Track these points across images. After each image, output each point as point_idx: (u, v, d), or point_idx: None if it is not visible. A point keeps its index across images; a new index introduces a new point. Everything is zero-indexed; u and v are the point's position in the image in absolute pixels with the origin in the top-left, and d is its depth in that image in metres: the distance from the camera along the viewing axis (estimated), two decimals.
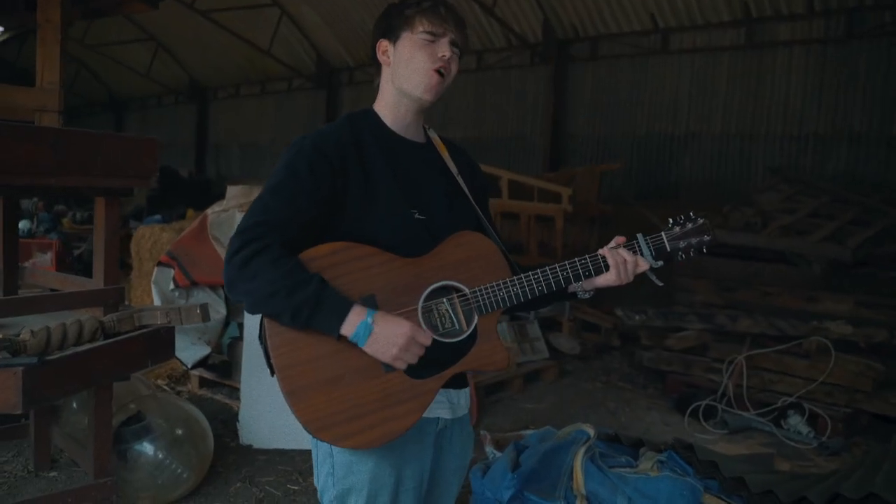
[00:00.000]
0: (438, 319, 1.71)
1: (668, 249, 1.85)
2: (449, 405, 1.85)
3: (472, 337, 1.72)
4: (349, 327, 1.56)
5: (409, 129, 1.89)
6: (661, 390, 6.17)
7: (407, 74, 1.80)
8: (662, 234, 1.87)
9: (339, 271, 1.64)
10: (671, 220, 1.89)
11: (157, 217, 11.66)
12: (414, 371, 1.64)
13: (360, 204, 1.72)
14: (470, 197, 1.92)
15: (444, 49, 1.78)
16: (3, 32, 21.37)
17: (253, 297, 1.57)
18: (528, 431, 4.50)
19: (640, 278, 1.91)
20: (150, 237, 7.07)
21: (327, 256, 1.64)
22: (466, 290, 1.73)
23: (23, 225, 9.80)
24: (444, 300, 1.72)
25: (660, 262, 1.85)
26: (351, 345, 1.58)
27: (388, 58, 1.84)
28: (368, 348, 1.57)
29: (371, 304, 1.64)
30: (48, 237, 10.14)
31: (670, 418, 5.48)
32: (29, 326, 2.88)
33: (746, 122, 10.02)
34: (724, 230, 6.45)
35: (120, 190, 3.26)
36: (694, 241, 1.87)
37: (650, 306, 6.40)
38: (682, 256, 1.87)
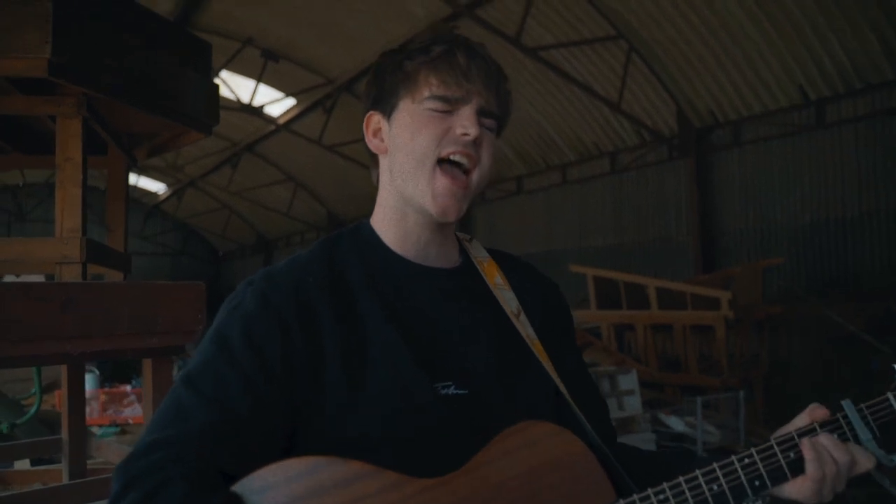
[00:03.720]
0: None
1: None
2: None
3: None
4: None
5: (428, 249, 1.16)
6: None
7: (407, 170, 1.09)
8: (889, 396, 1.07)
9: None
10: None
11: None
12: None
13: (341, 386, 1.01)
14: (534, 349, 1.15)
15: (465, 122, 1.07)
16: (166, 191, 23.25)
17: None
18: None
19: None
20: None
21: (281, 487, 0.90)
22: None
23: None
24: None
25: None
26: None
27: (383, 141, 1.14)
28: None
29: None
30: None
31: None
32: None
33: None
34: None
35: (166, 350, 2.71)
36: None
37: None
38: None
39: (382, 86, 1.13)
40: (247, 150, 18.19)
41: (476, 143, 1.08)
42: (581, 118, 11.96)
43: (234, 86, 14.30)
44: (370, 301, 1.07)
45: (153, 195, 24.10)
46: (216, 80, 13.34)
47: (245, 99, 14.40)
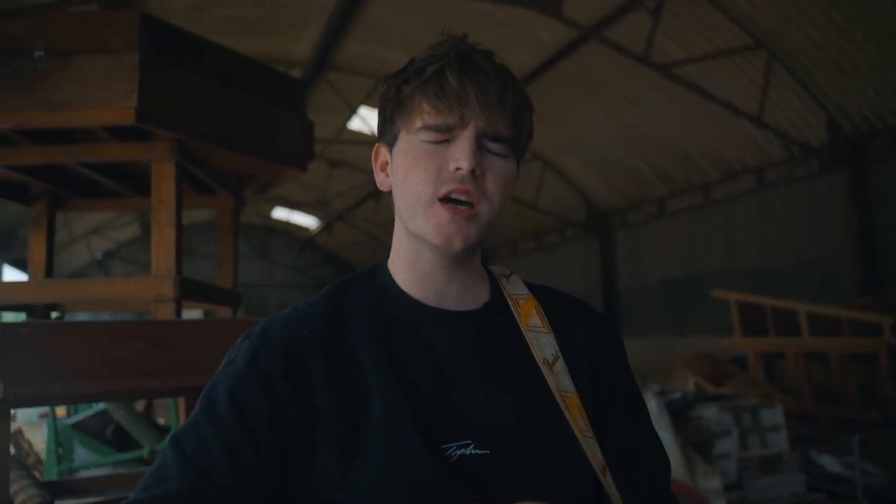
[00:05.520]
0: None
1: None
2: None
3: None
4: None
5: (447, 291, 1.04)
6: None
7: (407, 208, 1.00)
8: None
9: None
10: None
11: None
12: None
13: (335, 452, 0.93)
14: (565, 405, 1.00)
15: (458, 155, 0.95)
16: (317, 225, 24.37)
17: None
18: None
19: None
20: None
21: None
22: None
23: None
24: None
25: None
26: None
27: (388, 176, 1.05)
28: None
29: None
30: None
31: None
32: None
33: None
34: None
35: None
36: None
37: None
38: None
39: (385, 115, 1.04)
40: None
41: (475, 175, 0.95)
42: (721, 134, 11.34)
43: (373, 121, 14.78)
44: (375, 354, 0.97)
45: (306, 229, 25.29)
46: (355, 117, 13.80)
47: None
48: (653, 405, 4.60)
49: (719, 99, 10.00)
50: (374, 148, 1.07)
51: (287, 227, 25.09)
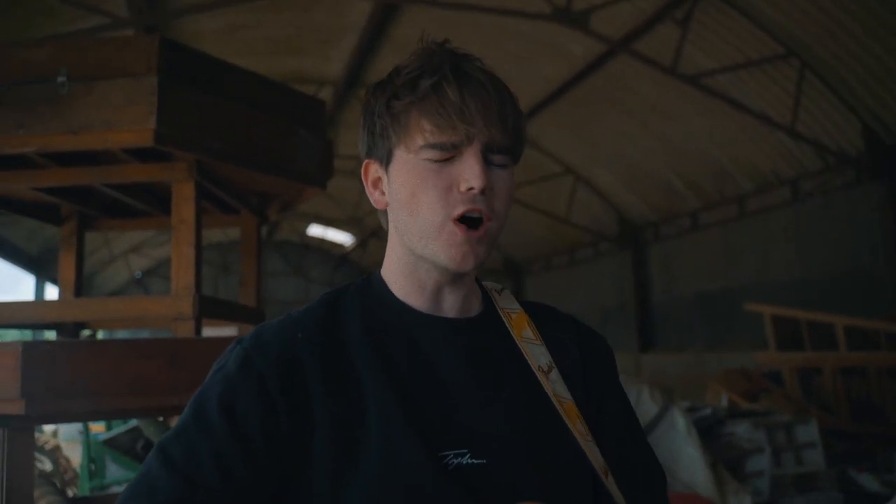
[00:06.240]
0: None
1: None
2: None
3: None
4: None
5: (442, 299, 1.04)
6: None
7: (413, 232, 0.98)
8: None
9: None
10: None
11: None
12: None
13: (330, 460, 0.91)
14: (564, 411, 0.99)
15: (468, 175, 0.94)
16: (352, 241, 24.54)
17: None
18: None
19: None
20: None
21: None
22: None
23: None
24: None
25: None
26: None
27: (384, 194, 1.03)
28: None
29: None
30: None
31: None
32: None
33: None
34: None
35: None
36: None
37: None
38: None
39: (373, 130, 1.01)
40: None
41: (487, 194, 0.95)
42: (754, 145, 11.16)
43: None
44: (369, 358, 0.96)
45: (341, 246, 25.47)
46: None
47: None
48: (681, 422, 4.54)
49: (751, 109, 9.86)
50: (364, 164, 1.05)
51: (322, 243, 25.33)
